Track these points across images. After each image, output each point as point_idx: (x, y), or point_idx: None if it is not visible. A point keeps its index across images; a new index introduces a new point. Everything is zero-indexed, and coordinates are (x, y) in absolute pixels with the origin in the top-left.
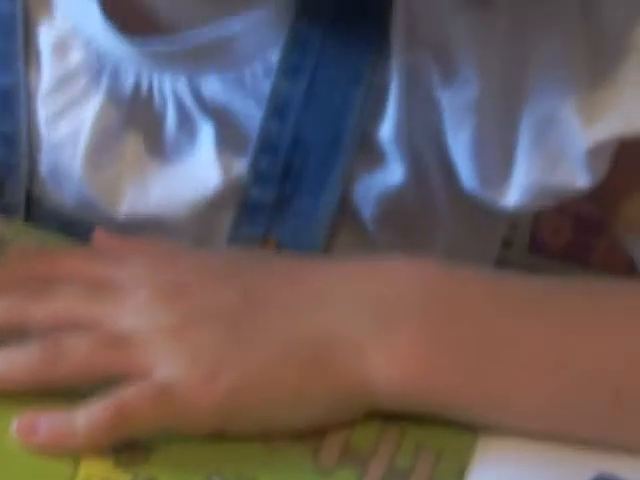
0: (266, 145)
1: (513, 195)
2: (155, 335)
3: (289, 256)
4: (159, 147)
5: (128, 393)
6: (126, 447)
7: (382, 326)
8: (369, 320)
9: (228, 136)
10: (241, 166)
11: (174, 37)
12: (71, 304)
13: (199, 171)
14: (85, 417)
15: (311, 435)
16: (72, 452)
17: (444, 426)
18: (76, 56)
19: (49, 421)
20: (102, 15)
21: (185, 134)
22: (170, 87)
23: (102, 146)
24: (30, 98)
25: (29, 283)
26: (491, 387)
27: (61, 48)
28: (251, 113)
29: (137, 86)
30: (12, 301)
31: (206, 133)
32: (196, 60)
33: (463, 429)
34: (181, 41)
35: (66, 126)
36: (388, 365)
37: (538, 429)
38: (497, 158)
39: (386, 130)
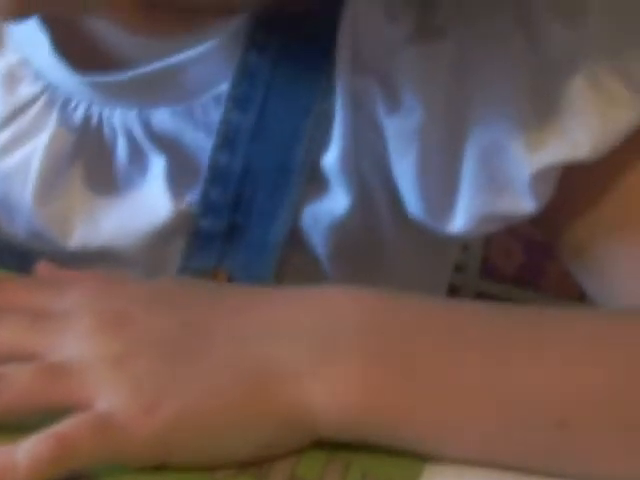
0: (216, 176)
1: (458, 220)
2: (96, 365)
3: (235, 286)
4: (109, 179)
5: (68, 424)
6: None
7: (319, 356)
8: (307, 350)
9: (179, 167)
10: (192, 197)
11: (124, 70)
12: (13, 334)
13: (150, 202)
14: (25, 450)
15: (256, 465)
16: None
17: (391, 455)
18: (26, 88)
19: None
20: (52, 48)
21: (135, 166)
22: (120, 119)
23: (52, 177)
24: None
25: None
26: (427, 419)
27: (11, 80)
28: (201, 144)
29: (87, 118)
30: None
31: (157, 165)
32: (145, 92)
33: (411, 457)
34: (130, 73)
35: (17, 156)
36: (325, 395)
37: (480, 459)
38: (442, 184)
39: (331, 157)
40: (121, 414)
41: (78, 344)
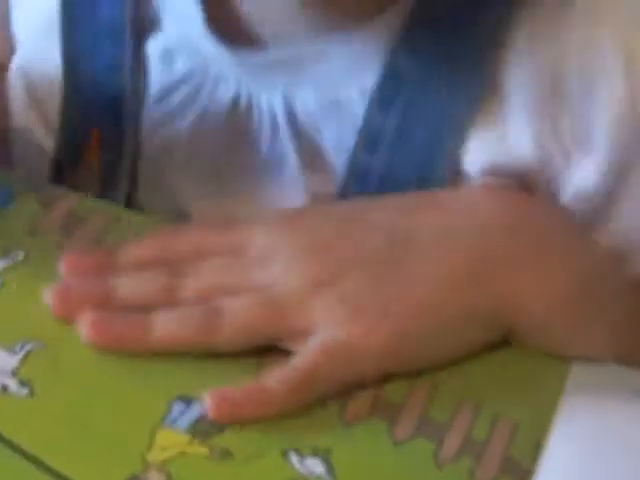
0: (356, 176)
1: None
2: (308, 292)
3: (396, 195)
4: (251, 164)
5: (303, 356)
6: (201, 419)
7: (535, 248)
8: (523, 243)
9: (316, 162)
10: (327, 194)
11: (271, 49)
12: (217, 275)
13: (283, 196)
14: (278, 383)
15: (385, 409)
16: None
17: (520, 397)
18: (181, 65)
19: (244, 389)
20: (206, 25)
21: (275, 154)
22: (267, 104)
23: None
24: (138, 105)
25: (171, 260)
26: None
27: (169, 55)
28: (342, 139)
29: (236, 98)
30: (163, 276)
31: (294, 157)
32: (291, 72)
33: (540, 400)
34: (278, 52)
35: (168, 134)
36: (537, 284)
37: None
38: None
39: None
40: (346, 336)
41: (285, 276)
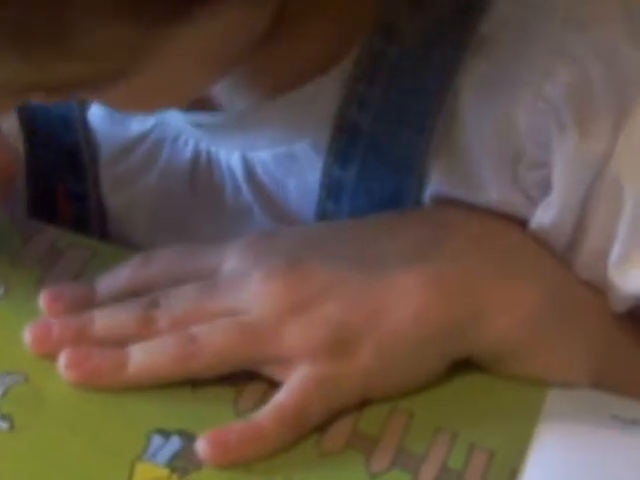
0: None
1: None
2: (283, 317)
3: (370, 217)
4: (220, 217)
5: (296, 386)
6: (180, 454)
7: (495, 270)
8: (478, 263)
9: (279, 216)
10: None
11: (224, 111)
12: (192, 302)
13: None
14: (271, 421)
15: (361, 440)
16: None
17: (496, 424)
18: (137, 124)
19: (237, 430)
20: None
21: (240, 210)
22: (225, 160)
23: (163, 214)
24: (93, 161)
25: (144, 288)
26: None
27: (123, 116)
28: (304, 190)
29: (196, 154)
30: (137, 308)
31: (258, 212)
32: (245, 132)
33: (516, 427)
34: (230, 114)
35: (127, 194)
36: (501, 305)
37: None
38: None
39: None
40: (328, 368)
41: (258, 299)
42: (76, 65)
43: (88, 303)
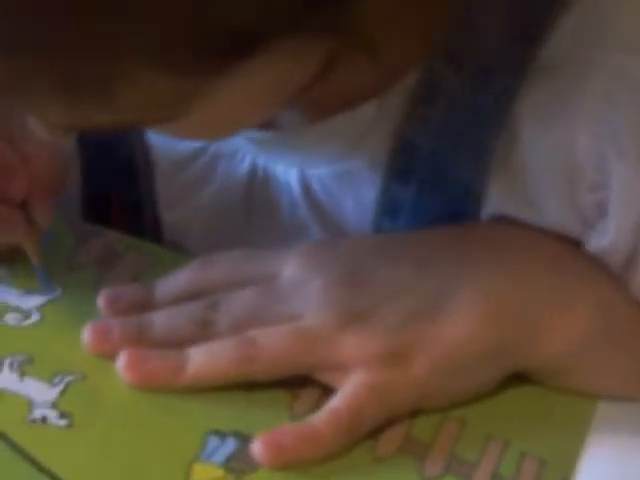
0: None
1: None
2: (341, 326)
3: (430, 230)
4: (274, 231)
5: (347, 396)
6: (235, 455)
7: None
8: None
9: (334, 229)
10: None
11: (281, 131)
12: (252, 306)
13: None
14: (326, 425)
15: (415, 446)
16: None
17: (547, 434)
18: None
19: (292, 432)
20: None
21: (296, 222)
22: (283, 176)
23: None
24: (150, 173)
25: (204, 291)
26: None
27: None
28: (360, 207)
29: (253, 170)
30: (197, 310)
31: (313, 229)
32: (302, 150)
33: (567, 437)
34: (287, 134)
35: (184, 209)
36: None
37: None
38: None
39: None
40: (383, 376)
41: (317, 307)
42: (122, 116)
43: (146, 305)
